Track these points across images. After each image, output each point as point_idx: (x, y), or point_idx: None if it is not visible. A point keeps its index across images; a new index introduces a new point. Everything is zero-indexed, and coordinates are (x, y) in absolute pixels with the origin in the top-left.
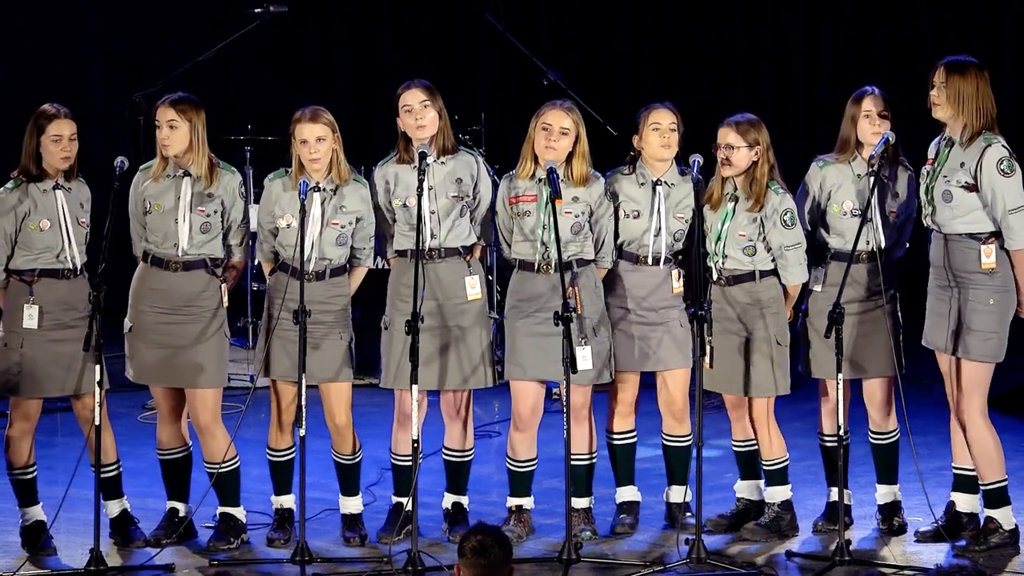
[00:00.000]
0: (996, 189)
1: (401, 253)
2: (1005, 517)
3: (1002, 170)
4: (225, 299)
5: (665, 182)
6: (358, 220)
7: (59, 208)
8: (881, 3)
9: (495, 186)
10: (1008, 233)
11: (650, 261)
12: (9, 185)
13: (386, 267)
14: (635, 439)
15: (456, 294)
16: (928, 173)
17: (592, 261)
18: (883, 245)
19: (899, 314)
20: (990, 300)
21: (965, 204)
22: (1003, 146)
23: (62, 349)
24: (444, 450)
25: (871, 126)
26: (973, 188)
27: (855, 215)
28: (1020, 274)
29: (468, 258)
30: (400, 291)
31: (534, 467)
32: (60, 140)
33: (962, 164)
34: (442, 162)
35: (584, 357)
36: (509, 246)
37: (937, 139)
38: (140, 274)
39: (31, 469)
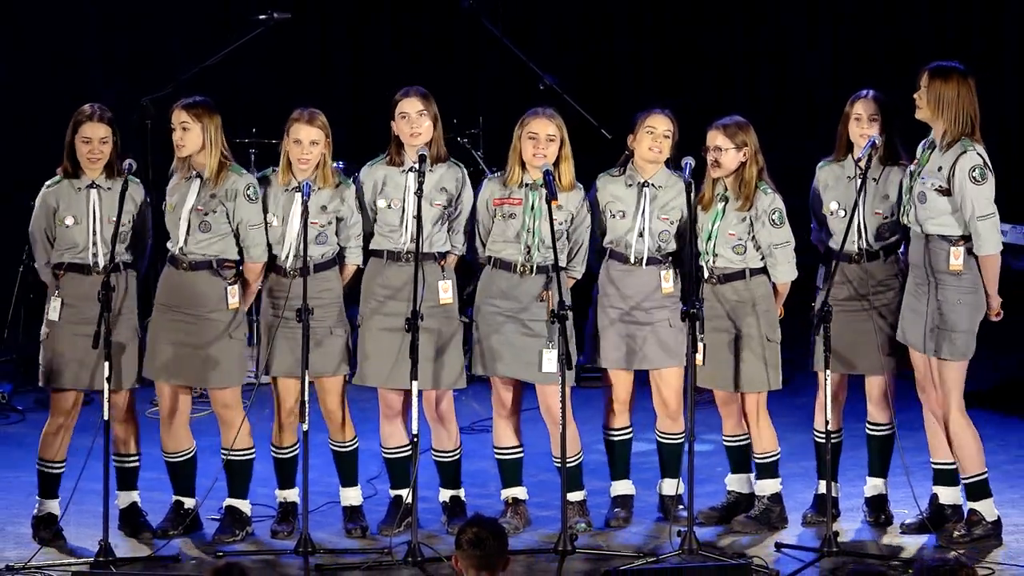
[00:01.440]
0: (967, 195)
1: (377, 254)
2: (987, 509)
3: (974, 177)
4: (232, 301)
5: (653, 184)
6: (339, 220)
7: (89, 206)
8: (881, 3)
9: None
10: (976, 239)
11: (632, 260)
12: (50, 181)
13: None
14: (631, 435)
15: (430, 297)
16: (911, 173)
17: (564, 269)
18: (868, 246)
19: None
20: (959, 300)
21: (937, 207)
22: (978, 154)
23: (83, 344)
24: (432, 451)
25: (859, 129)
26: (946, 192)
27: (841, 215)
28: (988, 279)
29: (441, 262)
30: (374, 290)
31: (520, 455)
32: (90, 142)
33: (939, 168)
34: (431, 170)
35: (549, 359)
36: (484, 245)
37: (924, 141)
38: (163, 273)
39: (59, 465)
